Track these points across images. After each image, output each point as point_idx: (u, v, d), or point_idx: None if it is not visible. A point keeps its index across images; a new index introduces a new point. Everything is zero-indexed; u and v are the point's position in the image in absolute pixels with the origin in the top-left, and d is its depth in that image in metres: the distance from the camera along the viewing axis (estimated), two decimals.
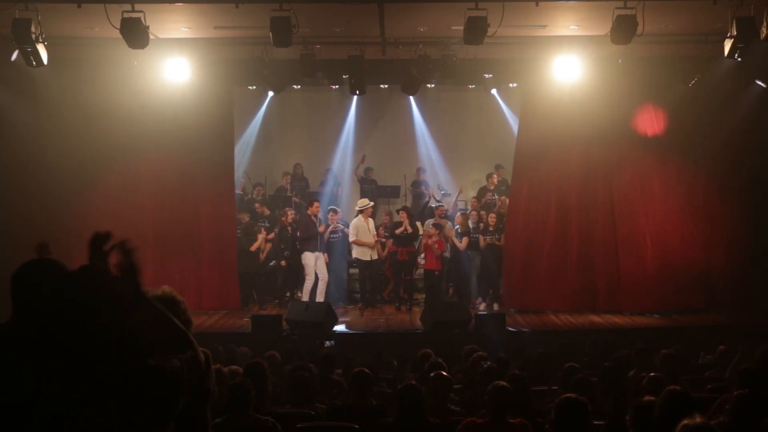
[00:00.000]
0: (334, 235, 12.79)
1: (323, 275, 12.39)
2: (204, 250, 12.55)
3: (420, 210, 14.03)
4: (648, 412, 4.04)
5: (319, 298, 12.18)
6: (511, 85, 13.87)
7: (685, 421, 3.17)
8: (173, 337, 2.28)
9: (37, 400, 1.90)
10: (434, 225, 12.68)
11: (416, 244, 12.80)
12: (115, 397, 1.94)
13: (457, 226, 12.87)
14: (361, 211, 12.65)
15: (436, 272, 12.47)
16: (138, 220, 11.87)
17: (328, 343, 9.55)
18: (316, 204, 12.56)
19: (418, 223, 13.17)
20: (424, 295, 12.92)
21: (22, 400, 1.90)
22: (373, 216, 13.06)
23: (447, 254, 12.70)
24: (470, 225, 12.81)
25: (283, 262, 12.80)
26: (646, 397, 4.18)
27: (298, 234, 12.64)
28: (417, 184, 14.80)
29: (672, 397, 4.01)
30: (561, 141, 12.31)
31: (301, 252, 12.46)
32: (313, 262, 12.32)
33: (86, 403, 1.91)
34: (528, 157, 12.57)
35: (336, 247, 12.90)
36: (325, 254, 12.53)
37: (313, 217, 12.43)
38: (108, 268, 2.29)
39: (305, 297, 12.22)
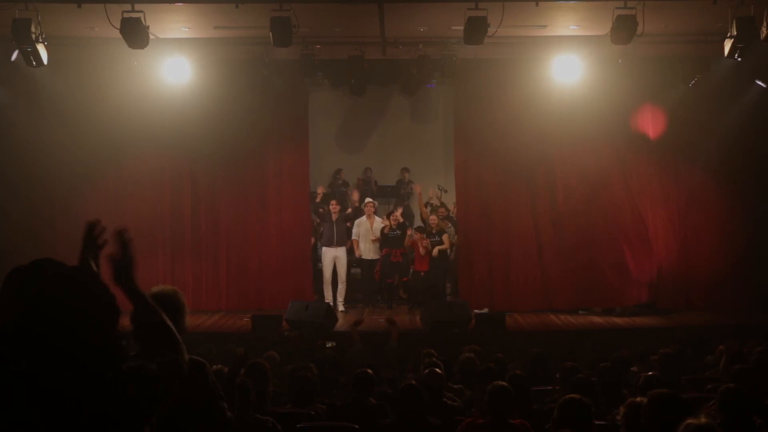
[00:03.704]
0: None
1: (340, 276, 12.26)
2: (274, 247, 12.50)
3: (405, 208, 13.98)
4: (639, 412, 3.99)
5: (339, 299, 12.20)
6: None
7: (689, 420, 3.15)
8: (162, 339, 2.17)
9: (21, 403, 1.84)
10: (416, 228, 12.53)
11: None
12: (90, 399, 1.86)
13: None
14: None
15: (422, 273, 12.21)
16: (142, 219, 11.88)
17: (329, 343, 9.51)
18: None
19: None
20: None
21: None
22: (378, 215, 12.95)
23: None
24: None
25: None
26: (639, 398, 4.15)
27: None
28: (400, 184, 14.78)
29: (658, 400, 3.84)
30: (559, 141, 12.29)
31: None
32: (326, 260, 12.25)
33: (63, 404, 1.84)
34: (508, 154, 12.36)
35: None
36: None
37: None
38: (98, 265, 2.20)
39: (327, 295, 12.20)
